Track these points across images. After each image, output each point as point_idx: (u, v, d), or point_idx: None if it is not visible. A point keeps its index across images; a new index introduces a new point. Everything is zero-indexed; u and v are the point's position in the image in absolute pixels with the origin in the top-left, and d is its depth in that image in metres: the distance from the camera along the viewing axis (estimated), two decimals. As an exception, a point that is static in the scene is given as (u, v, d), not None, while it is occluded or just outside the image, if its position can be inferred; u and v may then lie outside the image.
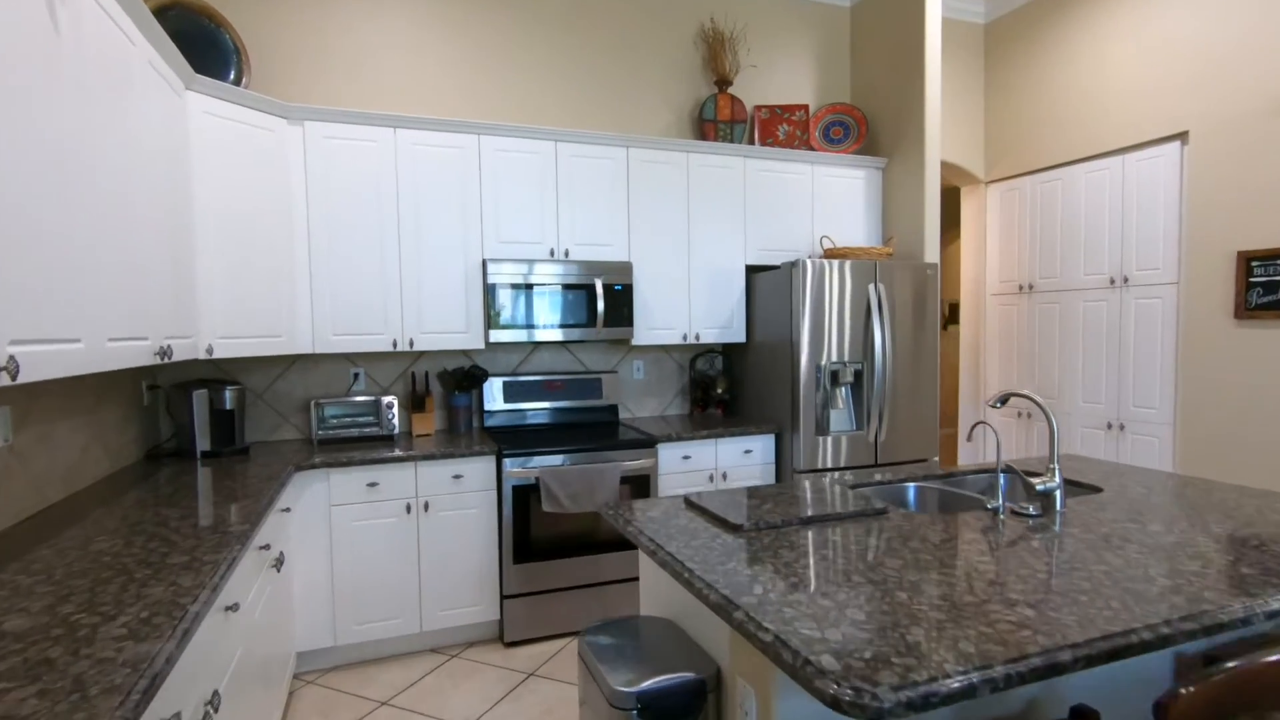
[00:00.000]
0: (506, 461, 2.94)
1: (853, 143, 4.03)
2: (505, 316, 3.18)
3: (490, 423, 3.47)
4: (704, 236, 3.62)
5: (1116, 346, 3.79)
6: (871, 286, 3.40)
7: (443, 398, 3.44)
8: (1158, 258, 3.57)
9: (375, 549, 2.81)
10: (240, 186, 2.71)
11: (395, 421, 3.15)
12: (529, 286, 3.22)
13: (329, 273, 2.98)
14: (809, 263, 3.29)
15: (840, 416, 3.45)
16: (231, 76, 2.91)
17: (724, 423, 3.56)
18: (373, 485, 2.79)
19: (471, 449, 2.92)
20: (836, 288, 3.34)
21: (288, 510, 2.61)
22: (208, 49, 2.88)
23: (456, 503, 2.92)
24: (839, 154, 3.87)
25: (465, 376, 3.37)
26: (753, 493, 2.03)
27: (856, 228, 3.97)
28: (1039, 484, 1.83)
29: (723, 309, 3.68)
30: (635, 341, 3.50)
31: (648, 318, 3.53)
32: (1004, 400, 1.95)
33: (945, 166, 4.52)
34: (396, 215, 3.07)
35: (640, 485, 3.17)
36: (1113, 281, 3.79)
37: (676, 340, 3.59)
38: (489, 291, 3.15)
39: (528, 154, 3.28)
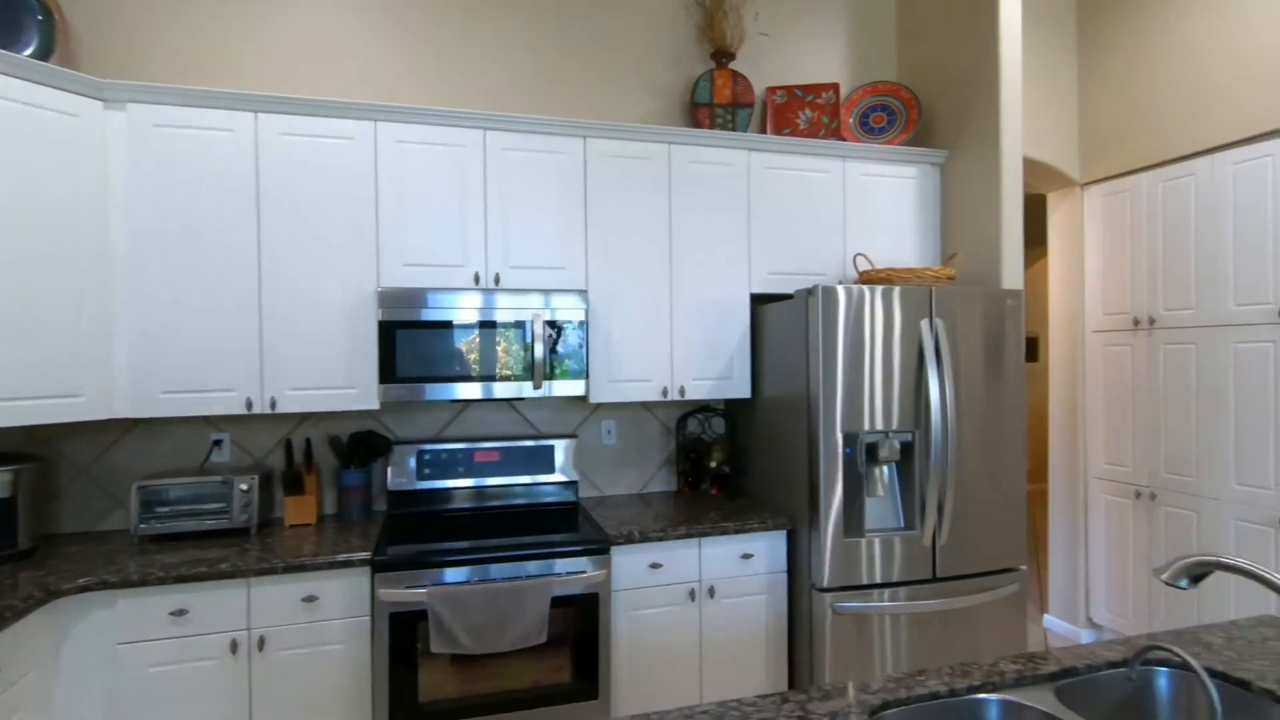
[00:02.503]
0: (380, 576, 2.05)
1: (899, 131, 3.04)
2: (404, 366, 2.31)
3: (397, 508, 2.58)
4: (693, 257, 2.68)
5: (1291, 408, 2.63)
6: (925, 323, 2.38)
7: (336, 474, 2.59)
8: (1359, 280, 2.43)
9: (182, 708, 1.94)
10: (19, 193, 1.95)
11: (254, 509, 2.30)
12: (438, 325, 2.34)
13: (156, 309, 2.18)
14: (833, 290, 2.30)
15: (881, 508, 2.42)
16: (33, 48, 2.17)
17: (718, 509, 2.58)
18: (180, 614, 1.93)
19: (333, 557, 2.04)
20: (875, 324, 2.34)
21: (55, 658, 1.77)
22: None
23: (309, 637, 2.03)
24: (882, 146, 2.89)
25: (359, 445, 2.51)
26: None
27: (906, 243, 2.96)
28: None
29: (718, 354, 2.72)
30: (594, 398, 2.57)
31: (612, 366, 2.60)
32: (1196, 578, 0.93)
33: (1030, 166, 3.47)
34: (256, 231, 2.26)
35: (585, 611, 2.21)
36: (1283, 315, 2.65)
37: (653, 396, 2.64)
38: (382, 332, 2.29)
39: (445, 147, 2.43)
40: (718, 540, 2.39)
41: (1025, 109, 3.37)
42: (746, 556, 2.41)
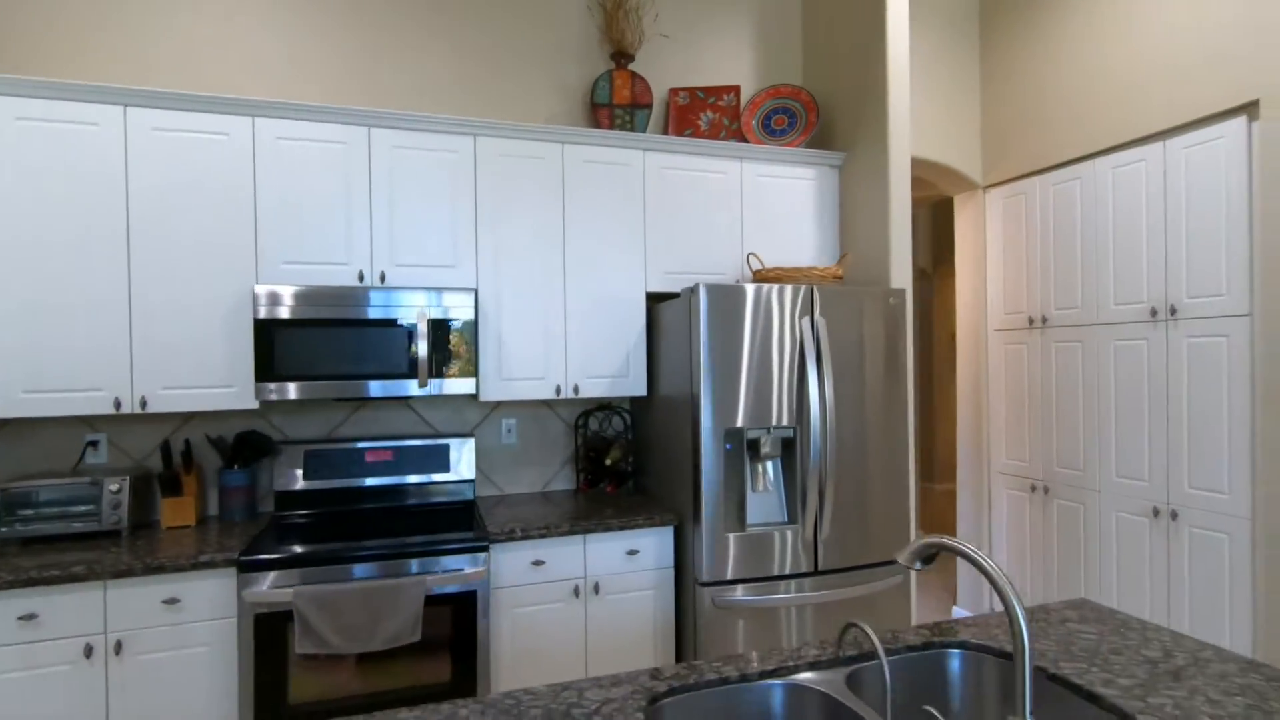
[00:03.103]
0: (244, 577, 2.02)
1: (799, 134, 3.09)
2: (283, 365, 2.29)
3: (283, 510, 2.55)
4: (588, 256, 2.70)
5: (1163, 402, 2.73)
6: (806, 321, 2.43)
7: (219, 475, 2.54)
8: (1219, 280, 2.54)
9: (32, 715, 1.89)
10: None
11: (124, 511, 2.25)
12: (319, 324, 2.32)
13: (16, 307, 2.12)
14: (715, 288, 2.34)
15: (765, 503, 2.46)
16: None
17: (612, 506, 2.59)
18: (29, 619, 1.89)
19: (195, 558, 2.01)
20: (757, 322, 2.38)
21: None
22: None
23: (172, 640, 2.00)
24: (780, 147, 2.93)
25: (242, 446, 2.48)
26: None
27: (805, 244, 3.01)
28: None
29: (614, 352, 2.74)
30: (485, 396, 2.57)
31: (504, 364, 2.60)
32: (927, 559, 0.97)
33: (934, 169, 3.55)
34: (125, 228, 2.22)
35: (462, 609, 2.21)
36: (1154, 313, 2.75)
37: (546, 394, 2.65)
38: (260, 331, 2.27)
39: (328, 144, 2.41)
40: (603, 537, 2.40)
41: (929, 112, 3.46)
42: (633, 553, 2.43)
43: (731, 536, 2.36)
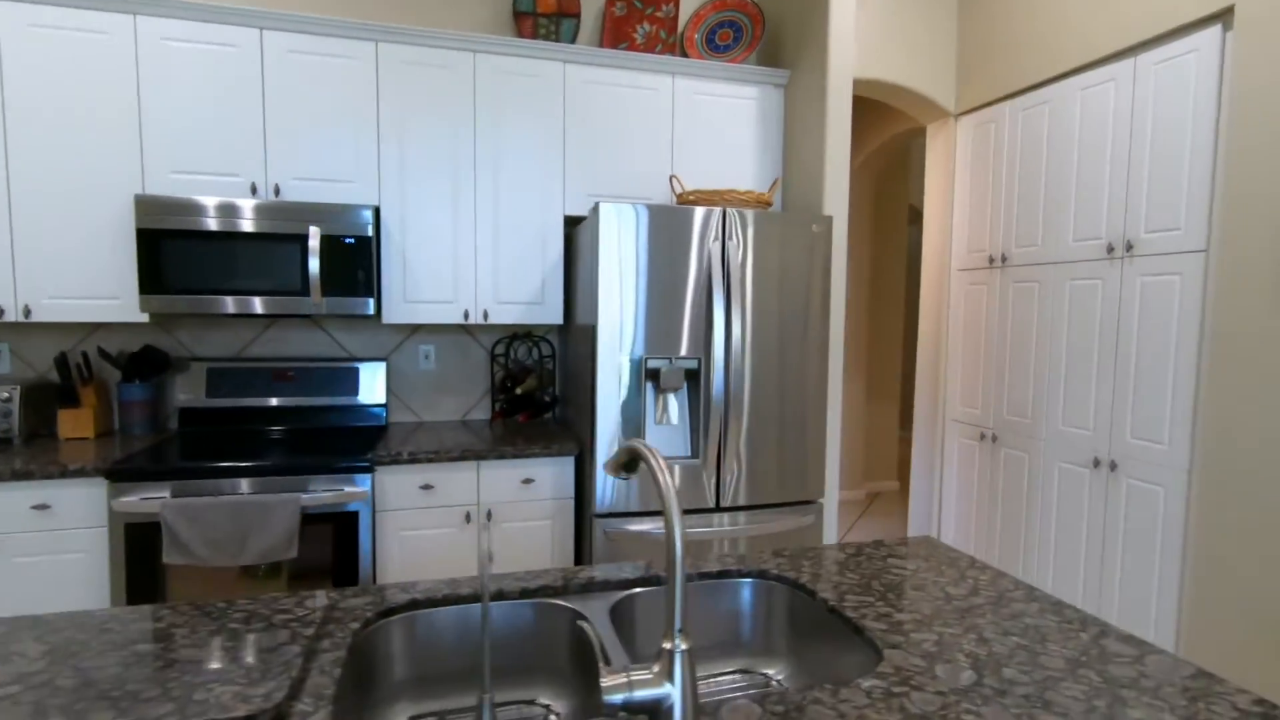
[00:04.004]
0: (115, 486, 2.01)
1: (744, 49, 2.88)
2: (171, 278, 2.23)
3: (187, 426, 2.54)
4: (501, 175, 2.57)
5: (1112, 346, 2.54)
6: (716, 246, 2.29)
7: (119, 389, 2.53)
8: (1178, 213, 2.31)
9: (-95, 609, 1.93)
10: None
11: (15, 419, 2.26)
12: (207, 237, 2.25)
13: (-109, 207, 2.09)
14: (614, 209, 2.20)
15: (669, 436, 2.37)
16: None
17: (520, 435, 2.53)
18: (-104, 517, 1.91)
19: (65, 466, 2.00)
20: (662, 247, 2.25)
21: None
22: None
23: (45, 545, 2.01)
24: (717, 63, 2.73)
25: (139, 361, 2.45)
26: None
27: (744, 167, 2.83)
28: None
29: (529, 278, 2.63)
30: (388, 319, 2.50)
31: (410, 286, 2.51)
32: (627, 467, 0.87)
33: (906, 96, 3.30)
34: (3, 131, 2.15)
35: (345, 528, 2.18)
36: (1111, 250, 2.54)
37: (454, 319, 2.56)
38: (144, 241, 2.21)
39: (217, 46, 2.30)
40: (496, 465, 2.34)
41: (902, 34, 3.19)
42: (528, 481, 2.37)
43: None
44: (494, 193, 2.56)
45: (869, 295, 4.97)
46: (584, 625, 0.76)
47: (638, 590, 1.20)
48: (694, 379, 2.34)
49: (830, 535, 2.63)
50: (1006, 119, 3.01)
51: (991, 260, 3.10)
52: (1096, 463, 2.59)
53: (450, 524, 2.32)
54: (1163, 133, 2.35)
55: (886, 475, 5.18)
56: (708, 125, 2.77)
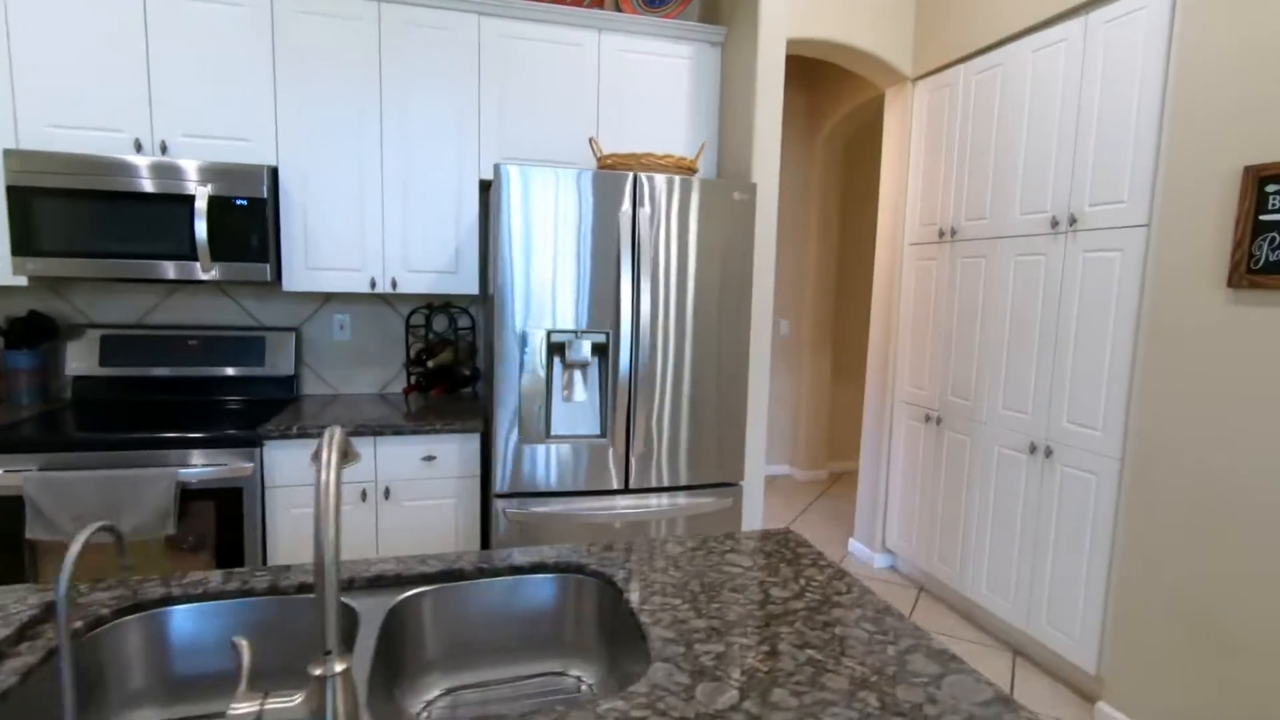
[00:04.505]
0: (-24, 460, 1.92)
1: (679, 3, 2.70)
2: (46, 238, 2.11)
3: (80, 395, 2.44)
4: (412, 135, 2.42)
5: (1053, 326, 2.41)
6: (628, 215, 2.15)
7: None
8: (1121, 185, 2.16)
9: None
10: None
11: (-111, 387, 2.16)
12: (87, 194, 2.12)
13: None
14: (517, 171, 2.06)
15: (578, 414, 2.25)
16: None
17: (435, 412, 2.43)
18: None
19: (-75, 438, 1.90)
20: (568, 213, 2.11)
21: None
22: None
23: (-95, 517, 1.92)
24: (648, 18, 2.56)
25: (24, 327, 2.35)
26: None
27: (677, 132, 2.68)
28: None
29: (442, 245, 2.50)
30: (288, 286, 2.37)
31: (312, 252, 2.39)
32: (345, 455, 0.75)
33: (863, 60, 3.11)
34: None
35: (228, 503, 2.09)
36: (1055, 224, 2.39)
37: (360, 287, 2.44)
38: (15, 198, 2.08)
39: (95, -9, 2.15)
40: (395, 440, 2.24)
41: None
42: (429, 459, 2.27)
43: (531, 447, 2.17)
44: (403, 154, 2.42)
45: (838, 270, 4.82)
46: (238, 642, 0.65)
47: (445, 585, 1.09)
48: (604, 354, 2.22)
49: (754, 519, 2.53)
50: (960, 83, 2.84)
51: (941, 234, 2.95)
52: (1033, 448, 2.48)
53: (345, 501, 2.22)
54: (1110, 97, 2.19)
55: (851, 455, 5.07)
56: (637, 86, 2.61)
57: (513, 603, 1.11)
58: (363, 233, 2.42)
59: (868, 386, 3.46)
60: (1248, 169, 1.78)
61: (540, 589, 1.12)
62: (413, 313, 2.74)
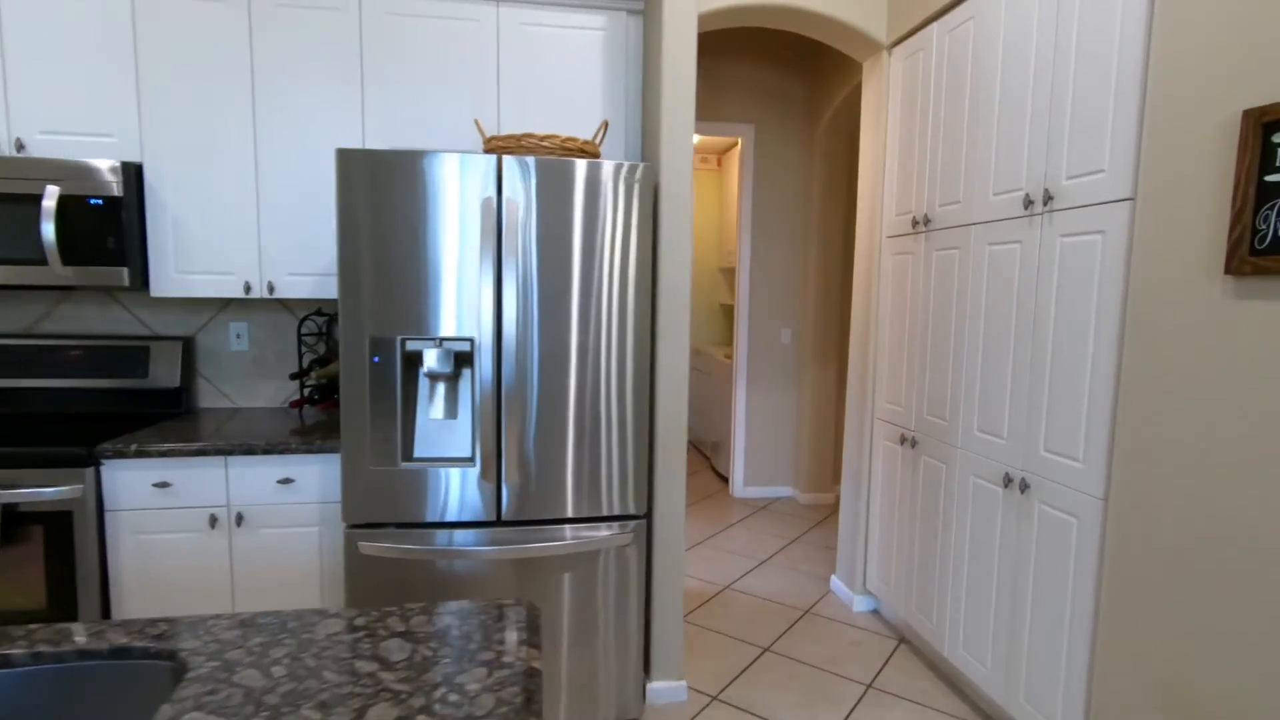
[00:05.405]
0: None
1: (595, -30, 2.40)
2: (-107, 244, 2.01)
3: (-43, 407, 2.35)
4: (287, 125, 2.22)
5: (1029, 329, 1.95)
6: (493, 204, 1.86)
7: (-104, 366, 2.35)
8: (1102, 150, 1.70)
9: None
10: None
11: None
12: (-68, 197, 2.01)
13: None
14: (359, 155, 1.81)
15: (446, 434, 1.97)
16: None
17: (321, 429, 2.20)
18: None
19: None
20: (426, 203, 1.84)
21: None
22: None
23: None
24: (553, -14, 2.27)
25: (-105, 336, 2.26)
26: None
27: (590, 112, 2.37)
28: None
29: (324, 246, 2.28)
30: (155, 291, 2.20)
31: (181, 255, 2.21)
32: None
33: (830, 27, 2.71)
34: None
35: (58, 529, 1.91)
36: (1029, 204, 1.94)
37: (233, 292, 2.24)
38: None
39: (-52, -17, 2.04)
40: (248, 461, 2.01)
41: (815, -54, 2.61)
42: (285, 482, 2.03)
43: (387, 472, 1.90)
44: (280, 146, 2.21)
45: (843, 273, 4.36)
46: None
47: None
48: (471, 364, 1.93)
49: (670, 559, 2.16)
50: (934, 45, 2.40)
51: (915, 223, 2.51)
52: (1008, 480, 2.01)
53: (193, 527, 2.01)
54: (1089, 41, 1.73)
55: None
56: (544, 63, 2.32)
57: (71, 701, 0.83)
58: (238, 233, 2.22)
59: (848, 402, 3.02)
60: (1248, 114, 1.32)
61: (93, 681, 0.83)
62: (305, 319, 2.53)
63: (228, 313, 2.54)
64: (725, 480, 4.78)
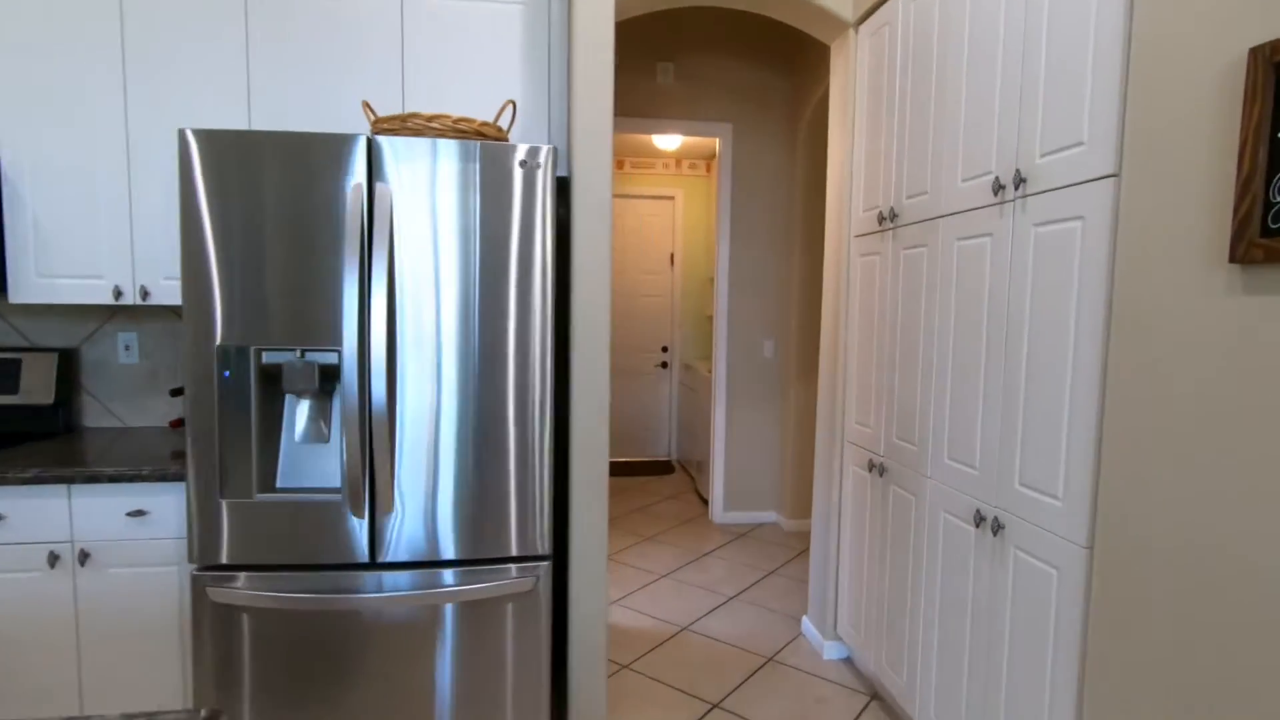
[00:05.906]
0: None
1: (515, -62, 2.14)
2: None
3: None
4: (163, 108, 1.98)
5: (1001, 336, 1.63)
6: (362, 192, 1.59)
7: None
8: (1080, 117, 1.39)
9: None
10: None
11: None
12: None
13: None
14: (207, 136, 1.56)
15: (313, 460, 1.69)
16: None
17: (156, 457, 1.94)
18: None
19: None
20: (284, 191, 1.58)
21: None
22: None
23: None
24: (464, -45, 2.02)
25: None
26: None
27: (509, 94, 2.11)
28: None
29: (206, 245, 2.02)
30: (14, 298, 1.96)
31: (44, 257, 1.97)
32: None
33: (787, 3, 2.44)
34: None
35: None
36: (999, 188, 1.63)
37: (102, 298, 2.00)
38: None
39: None
40: (92, 490, 1.75)
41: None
42: (137, 514, 1.77)
43: (238, 504, 1.62)
44: (154, 134, 1.97)
45: (829, 280, 4.03)
46: None
47: None
48: (338, 379, 1.65)
49: (587, 604, 1.86)
50: (899, 16, 2.11)
51: (881, 219, 2.20)
52: (980, 518, 1.68)
53: (30, 566, 1.74)
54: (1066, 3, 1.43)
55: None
56: (453, 41, 2.06)
57: None
58: (108, 232, 1.98)
59: (818, 423, 2.70)
60: (1255, 52, 1.01)
61: None
62: (194, 330, 2.28)
63: (116, 322, 2.30)
64: (707, 504, 4.46)
